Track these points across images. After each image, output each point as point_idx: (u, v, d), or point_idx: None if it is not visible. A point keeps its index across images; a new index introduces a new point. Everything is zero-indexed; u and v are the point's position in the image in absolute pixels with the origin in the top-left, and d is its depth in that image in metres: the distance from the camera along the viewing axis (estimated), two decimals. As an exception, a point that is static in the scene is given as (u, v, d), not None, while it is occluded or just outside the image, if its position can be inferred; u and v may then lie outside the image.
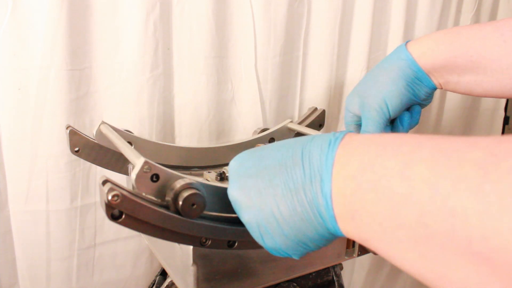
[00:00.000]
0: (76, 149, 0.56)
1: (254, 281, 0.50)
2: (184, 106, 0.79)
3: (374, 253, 0.52)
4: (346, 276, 1.10)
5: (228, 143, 0.68)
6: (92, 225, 0.77)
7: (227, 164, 0.59)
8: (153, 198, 0.37)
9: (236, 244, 0.42)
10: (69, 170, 0.72)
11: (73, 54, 0.68)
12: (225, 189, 0.38)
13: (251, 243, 0.43)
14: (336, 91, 0.93)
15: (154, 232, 0.37)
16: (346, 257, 0.55)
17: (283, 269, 0.52)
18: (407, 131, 0.58)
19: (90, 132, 0.73)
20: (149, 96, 0.75)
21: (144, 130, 0.75)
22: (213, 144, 0.80)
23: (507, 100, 1.22)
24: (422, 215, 0.23)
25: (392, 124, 0.58)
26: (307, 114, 0.75)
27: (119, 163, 0.59)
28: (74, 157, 0.58)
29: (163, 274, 0.69)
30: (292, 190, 0.32)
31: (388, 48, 0.98)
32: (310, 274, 0.56)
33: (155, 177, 0.37)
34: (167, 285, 0.59)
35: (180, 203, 0.36)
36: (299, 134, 0.71)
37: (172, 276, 0.55)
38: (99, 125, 0.57)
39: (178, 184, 0.37)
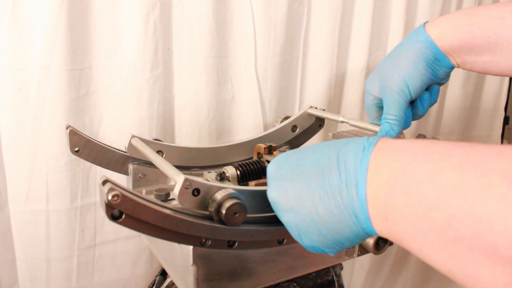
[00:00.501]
0: (76, 149, 0.56)
1: (254, 281, 0.50)
2: (184, 106, 0.79)
3: (375, 253, 0.52)
4: (346, 276, 1.10)
5: (228, 143, 0.68)
6: (92, 225, 0.77)
7: (227, 164, 0.60)
8: (154, 200, 0.37)
9: (236, 244, 0.42)
10: (69, 170, 0.72)
11: (73, 54, 0.68)
12: (261, 192, 0.41)
13: (251, 243, 0.43)
14: (336, 91, 0.93)
15: (154, 232, 0.37)
16: (346, 257, 0.55)
17: (283, 269, 0.52)
18: (427, 110, 0.59)
19: (90, 132, 0.73)
20: (149, 96, 0.75)
21: (144, 130, 0.75)
22: (213, 144, 0.80)
23: (507, 100, 1.22)
24: (451, 220, 0.24)
25: (412, 104, 0.59)
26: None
27: (119, 163, 0.59)
28: (74, 157, 0.58)
29: (163, 274, 0.69)
30: (329, 194, 0.33)
31: (388, 48, 0.98)
32: (310, 274, 0.56)
33: (196, 192, 0.39)
34: (167, 285, 0.59)
35: (224, 213, 0.38)
36: (319, 118, 0.72)
37: (172, 276, 0.55)
38: (130, 139, 0.57)
39: (219, 195, 0.39)
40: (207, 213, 0.40)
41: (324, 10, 0.86)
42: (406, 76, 0.55)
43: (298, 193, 0.35)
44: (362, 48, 0.93)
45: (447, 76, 0.57)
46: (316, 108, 0.75)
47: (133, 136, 0.57)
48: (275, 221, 0.40)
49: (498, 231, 0.22)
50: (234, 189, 0.40)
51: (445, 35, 0.53)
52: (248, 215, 0.42)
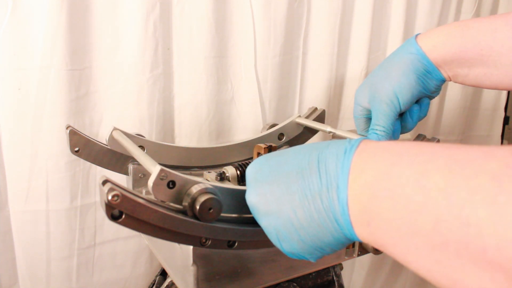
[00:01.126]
0: (76, 149, 0.56)
1: (254, 281, 0.50)
2: (184, 106, 0.79)
3: (375, 254, 0.52)
4: (346, 276, 1.10)
5: (228, 143, 0.68)
6: (92, 225, 0.77)
7: (227, 164, 0.60)
8: (154, 200, 0.37)
9: (236, 244, 0.42)
10: (69, 170, 0.72)
11: (73, 54, 0.68)
12: (240, 191, 0.39)
13: (251, 243, 0.43)
14: (336, 91, 0.93)
15: (154, 232, 0.37)
16: (346, 257, 0.55)
17: (283, 269, 0.52)
18: (416, 124, 0.58)
19: (90, 132, 0.73)
20: (149, 96, 0.75)
21: (144, 130, 0.75)
22: (213, 144, 0.80)
23: (507, 100, 1.22)
24: (438, 224, 0.23)
25: (401, 117, 0.58)
26: (307, 114, 0.75)
27: (119, 163, 0.59)
28: (74, 157, 0.58)
29: (163, 274, 0.69)
30: (309, 197, 0.32)
31: (388, 48, 0.98)
32: (310, 274, 0.56)
33: (171, 184, 0.38)
34: (167, 285, 0.59)
35: (197, 208, 0.37)
36: (307, 128, 0.71)
37: (172, 276, 0.55)
38: (111, 132, 0.57)
39: (195, 189, 0.38)
40: (181, 207, 0.38)
41: (324, 10, 0.86)
42: (397, 87, 0.54)
43: (277, 197, 0.34)
44: (362, 48, 0.93)
45: (437, 89, 0.56)
46: (316, 108, 0.75)
47: (114, 129, 0.57)
48: None
49: (486, 235, 0.21)
50: (211, 185, 0.39)
51: (437, 48, 0.53)
52: (245, 215, 0.41)
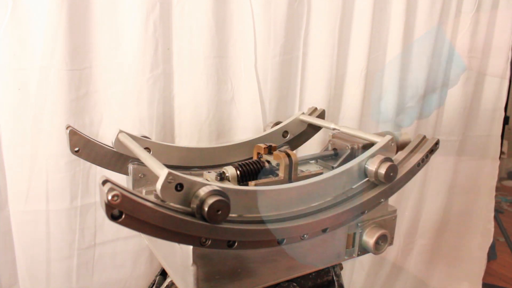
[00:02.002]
0: (76, 149, 0.56)
1: (254, 281, 0.50)
2: (184, 106, 0.79)
3: (375, 254, 0.52)
4: (346, 276, 1.10)
5: (228, 143, 0.68)
6: (92, 225, 0.77)
7: (227, 164, 0.59)
8: (154, 200, 0.37)
9: (236, 244, 0.42)
10: (69, 170, 0.72)
11: (73, 54, 0.68)
12: (248, 191, 0.40)
13: (251, 243, 0.43)
14: (336, 91, 0.93)
15: (154, 232, 0.37)
16: (346, 257, 0.55)
17: (283, 269, 0.52)
18: (433, 111, 0.58)
19: (90, 132, 0.73)
20: (149, 96, 0.75)
21: (144, 130, 0.75)
22: (213, 144, 0.80)
23: (507, 100, 1.22)
24: None
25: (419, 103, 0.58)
26: (308, 113, 0.75)
27: (119, 163, 0.59)
28: (74, 157, 0.58)
29: (163, 274, 0.69)
30: None
31: (388, 48, 0.97)
32: (310, 274, 0.56)
33: (179, 187, 0.38)
34: (167, 285, 0.59)
35: (206, 209, 0.37)
36: (310, 125, 0.71)
37: (172, 276, 0.55)
38: (117, 134, 0.57)
39: (203, 191, 0.38)
40: (190, 209, 0.39)
41: (324, 10, 0.86)
42: (416, 76, 0.54)
43: None
44: (362, 48, 0.92)
45: (456, 79, 0.57)
46: (316, 108, 0.75)
47: (120, 131, 0.57)
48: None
49: None
50: (218, 186, 0.39)
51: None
52: (246, 215, 0.41)
